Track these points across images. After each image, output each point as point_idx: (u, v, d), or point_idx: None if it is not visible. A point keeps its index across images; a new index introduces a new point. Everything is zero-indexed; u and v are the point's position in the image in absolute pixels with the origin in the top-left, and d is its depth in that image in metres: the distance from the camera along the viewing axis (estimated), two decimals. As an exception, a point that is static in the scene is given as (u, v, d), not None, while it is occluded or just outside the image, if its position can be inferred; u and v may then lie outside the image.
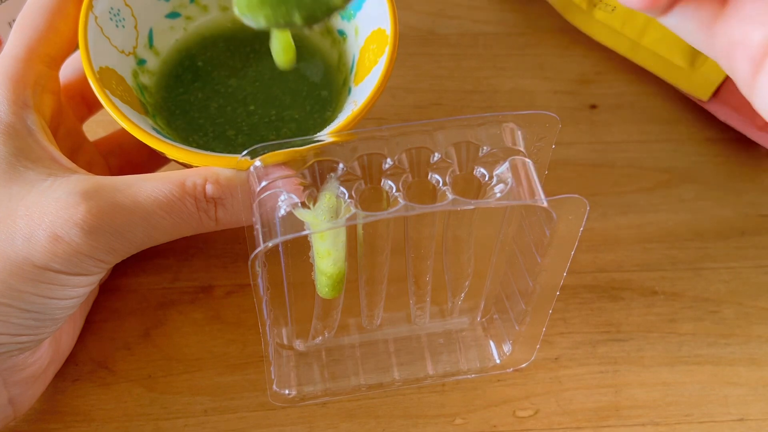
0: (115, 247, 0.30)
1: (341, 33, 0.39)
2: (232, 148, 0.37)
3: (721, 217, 0.43)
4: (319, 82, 0.39)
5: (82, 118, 0.39)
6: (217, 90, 0.39)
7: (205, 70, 0.39)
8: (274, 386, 0.35)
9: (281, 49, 0.31)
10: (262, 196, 0.29)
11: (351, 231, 0.31)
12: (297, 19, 0.27)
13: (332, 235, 0.30)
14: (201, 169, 0.32)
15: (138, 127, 0.32)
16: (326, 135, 0.32)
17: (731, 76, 0.26)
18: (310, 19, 0.27)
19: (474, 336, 0.39)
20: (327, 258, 0.31)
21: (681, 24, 0.26)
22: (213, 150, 0.36)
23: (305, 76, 0.39)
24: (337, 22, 0.39)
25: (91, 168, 0.37)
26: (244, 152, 0.30)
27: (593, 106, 0.47)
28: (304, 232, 0.28)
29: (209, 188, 0.31)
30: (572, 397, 0.38)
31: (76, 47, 0.34)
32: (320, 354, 0.38)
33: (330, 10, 0.27)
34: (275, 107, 0.38)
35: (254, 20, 0.27)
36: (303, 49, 0.40)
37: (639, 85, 0.48)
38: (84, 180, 0.30)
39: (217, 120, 0.38)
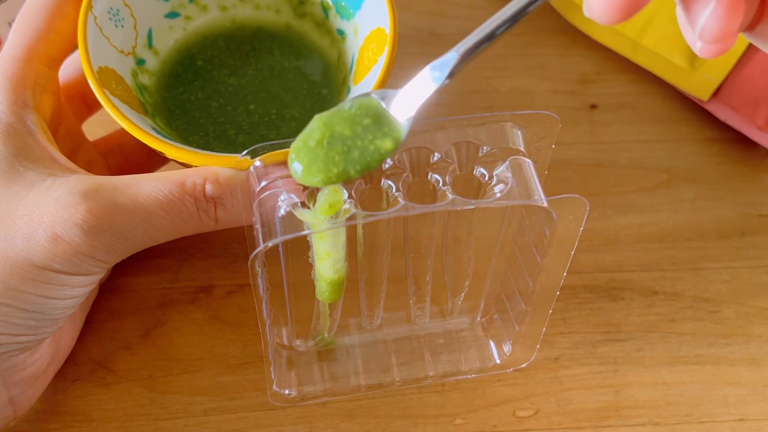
0: (114, 247, 0.30)
1: (340, 32, 0.39)
2: (232, 147, 0.37)
3: (721, 217, 0.43)
4: (319, 81, 0.39)
5: (82, 118, 0.39)
6: (217, 89, 0.39)
7: (205, 69, 0.39)
8: (274, 386, 0.35)
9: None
10: (262, 196, 0.29)
11: (351, 231, 0.31)
12: (353, 174, 0.27)
13: (332, 236, 0.30)
14: (201, 168, 0.32)
15: (137, 127, 0.32)
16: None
17: None
18: (366, 170, 0.27)
19: (474, 336, 0.39)
20: (327, 259, 0.31)
21: (765, 44, 0.25)
22: (213, 149, 0.36)
23: (305, 74, 0.39)
24: (336, 21, 0.39)
25: (90, 168, 0.37)
26: (244, 152, 0.30)
27: (593, 106, 0.47)
28: (304, 232, 0.28)
29: (209, 188, 0.31)
30: (572, 397, 0.38)
31: (76, 47, 0.34)
32: (320, 354, 0.38)
33: (383, 157, 0.27)
34: (275, 106, 0.38)
35: (312, 184, 0.27)
36: (302, 47, 0.40)
37: (639, 85, 0.48)
38: (84, 180, 0.30)
39: (217, 119, 0.38)
